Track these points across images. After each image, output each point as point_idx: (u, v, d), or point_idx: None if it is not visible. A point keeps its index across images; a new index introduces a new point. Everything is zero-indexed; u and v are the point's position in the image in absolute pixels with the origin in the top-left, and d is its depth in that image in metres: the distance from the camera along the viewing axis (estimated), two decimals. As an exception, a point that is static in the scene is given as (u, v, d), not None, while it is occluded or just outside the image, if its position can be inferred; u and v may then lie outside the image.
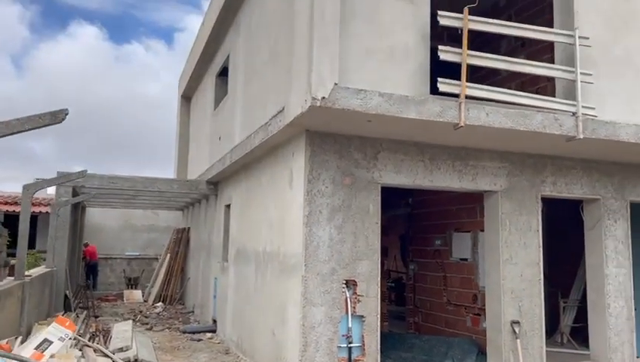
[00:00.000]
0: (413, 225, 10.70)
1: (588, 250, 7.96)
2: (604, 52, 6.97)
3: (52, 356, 4.13)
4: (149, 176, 12.00)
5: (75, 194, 11.61)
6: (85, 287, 14.03)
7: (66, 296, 11.31)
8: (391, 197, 10.09)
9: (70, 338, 5.33)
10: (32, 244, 16.01)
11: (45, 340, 4.98)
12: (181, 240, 16.33)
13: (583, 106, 6.44)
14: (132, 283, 18.19)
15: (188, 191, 12.57)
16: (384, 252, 13.10)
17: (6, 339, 5.29)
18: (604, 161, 7.79)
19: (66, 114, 3.93)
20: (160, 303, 14.91)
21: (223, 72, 12.27)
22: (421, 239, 10.18)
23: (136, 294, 16.83)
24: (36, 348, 4.48)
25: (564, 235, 9.71)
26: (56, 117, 3.93)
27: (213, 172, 11.38)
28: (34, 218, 16.46)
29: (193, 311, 13.83)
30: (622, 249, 7.78)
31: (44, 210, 18.29)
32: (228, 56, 11.44)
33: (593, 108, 6.54)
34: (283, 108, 6.45)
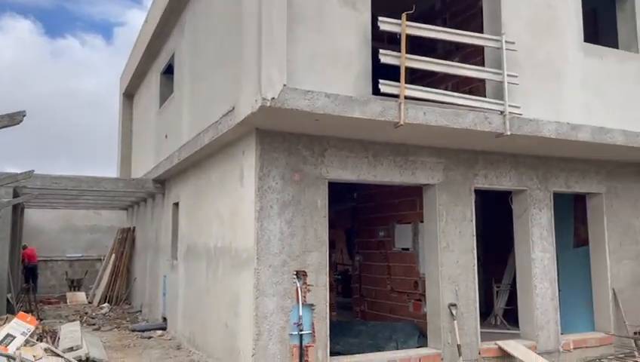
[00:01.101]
0: (358, 218, 11.18)
1: (516, 237, 8.68)
2: (529, 56, 7.64)
3: (17, 349, 4.21)
4: (94, 176, 11.86)
5: (15, 195, 11.31)
6: (26, 290, 13.65)
7: (8, 299, 11.02)
8: (337, 192, 10.54)
9: (31, 333, 5.38)
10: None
11: (8, 335, 5.02)
12: (126, 240, 16.13)
13: (509, 105, 7.06)
14: (75, 285, 17.77)
15: (134, 190, 12.50)
16: (331, 245, 13.54)
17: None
18: (530, 155, 8.51)
19: (24, 115, 4.02)
20: (106, 304, 14.72)
21: (168, 70, 12.28)
22: (366, 231, 10.67)
23: (80, 296, 16.48)
24: (0, 343, 4.54)
25: (498, 225, 10.46)
26: (14, 119, 4.01)
27: (160, 170, 11.40)
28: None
29: (141, 311, 13.76)
30: (546, 235, 8.55)
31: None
32: (173, 55, 11.48)
33: (519, 107, 7.19)
34: (233, 108, 6.70)
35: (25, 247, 17.55)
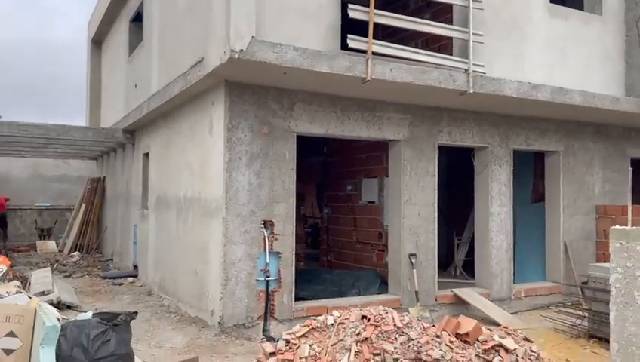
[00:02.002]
0: (328, 172, 11.44)
1: (476, 192, 9.08)
2: (495, 15, 7.82)
3: (-9, 287, 4.40)
4: (63, 124, 11.74)
5: (-20, 141, 11.15)
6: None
7: (-24, 246, 11.05)
8: (307, 146, 10.73)
9: (2, 274, 5.56)
10: None
11: (-19, 275, 5.20)
12: (96, 190, 16.11)
13: (474, 64, 7.28)
14: (45, 233, 17.77)
15: (103, 140, 12.44)
16: (301, 198, 13.86)
17: None
18: (493, 113, 8.80)
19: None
20: (77, 252, 14.82)
21: (137, 18, 12.04)
22: (335, 185, 10.96)
23: (50, 244, 16.53)
24: (-27, 283, 4.70)
25: (462, 181, 10.85)
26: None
27: (129, 120, 11.35)
28: None
29: (112, 259, 13.95)
30: (504, 191, 8.96)
31: None
32: (142, 2, 11.24)
33: (483, 66, 7.41)
34: (202, 59, 6.73)
35: None
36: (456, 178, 11.02)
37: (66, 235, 16.61)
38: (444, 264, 11.78)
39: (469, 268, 10.84)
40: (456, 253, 11.39)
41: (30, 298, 3.41)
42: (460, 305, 8.30)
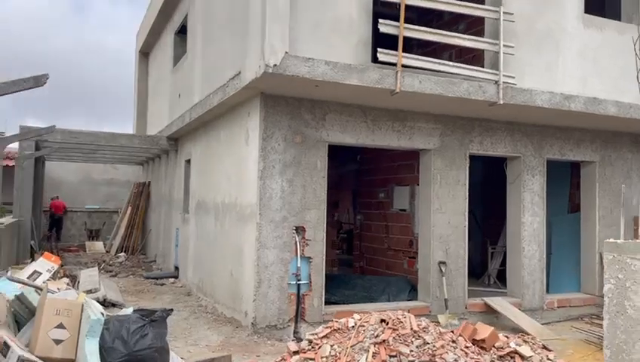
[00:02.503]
0: (361, 180, 11.66)
1: (509, 202, 9.10)
2: (528, 26, 7.87)
3: (44, 282, 4.85)
4: (111, 132, 12.42)
5: (37, 148, 11.94)
6: (48, 238, 14.50)
7: (31, 246, 11.82)
8: (343, 154, 11.01)
9: (54, 272, 6.06)
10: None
11: (35, 271, 5.69)
12: (142, 194, 16.85)
13: (504, 75, 7.37)
14: (93, 235, 18.69)
15: (149, 147, 13.06)
16: (336, 205, 14.12)
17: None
18: (525, 123, 8.82)
19: (47, 78, 4.49)
20: (122, 253, 15.56)
21: (182, 30, 12.62)
22: (368, 192, 11.16)
23: (98, 245, 17.38)
24: (28, 278, 5.18)
25: (498, 190, 10.86)
26: (39, 80, 4.49)
27: (173, 128, 11.91)
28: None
29: (155, 260, 14.57)
30: (537, 200, 8.94)
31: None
32: (186, 16, 11.79)
33: (513, 77, 7.48)
34: (239, 73, 7.10)
35: (55, 198, 18.42)
36: (493, 187, 11.02)
37: (112, 237, 17.42)
38: (479, 273, 11.80)
39: (503, 277, 10.81)
40: (490, 262, 11.38)
41: (78, 294, 3.79)
42: (491, 313, 8.34)
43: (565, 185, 10.65)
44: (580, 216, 9.77)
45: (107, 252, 16.65)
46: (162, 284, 11.04)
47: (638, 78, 3.75)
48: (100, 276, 9.93)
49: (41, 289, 3.81)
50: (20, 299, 3.65)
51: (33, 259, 11.71)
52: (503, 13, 7.40)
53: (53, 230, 17.61)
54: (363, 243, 11.16)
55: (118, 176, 21.12)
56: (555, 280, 9.73)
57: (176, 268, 12.03)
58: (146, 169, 18.27)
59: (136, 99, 18.07)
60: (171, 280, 11.46)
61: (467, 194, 8.44)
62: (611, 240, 2.49)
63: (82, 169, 20.60)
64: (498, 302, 8.38)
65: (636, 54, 3.06)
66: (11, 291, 3.80)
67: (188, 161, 11.64)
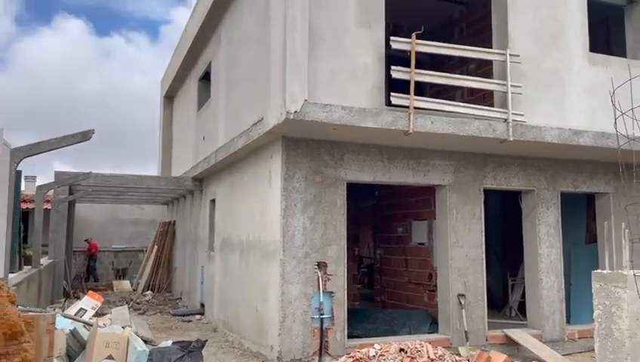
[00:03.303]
0: (380, 215, 11.97)
1: (525, 234, 9.31)
2: (535, 66, 8.27)
3: (90, 318, 5.24)
4: (139, 174, 13.03)
5: (70, 191, 12.58)
6: (80, 278, 15.06)
7: (64, 286, 12.31)
8: (361, 190, 11.38)
9: (98, 308, 6.46)
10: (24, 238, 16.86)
11: (81, 309, 6.11)
12: (167, 233, 17.36)
13: (513, 113, 7.73)
14: (120, 274, 19.20)
15: (175, 188, 13.62)
16: (356, 239, 14.39)
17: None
18: (538, 157, 9.11)
19: (93, 132, 5.00)
20: (149, 291, 15.97)
21: (205, 76, 13.31)
22: (387, 227, 11.46)
23: (125, 284, 17.84)
24: (75, 315, 5.58)
25: (516, 223, 11.06)
26: (86, 135, 5.01)
27: (198, 170, 12.45)
28: (25, 214, 17.28)
29: (181, 298, 14.93)
30: (553, 233, 9.15)
31: (31, 206, 19.12)
32: (210, 63, 12.49)
33: (522, 115, 7.84)
34: (262, 118, 7.60)
35: (89, 240, 19.15)
36: (511, 220, 11.22)
37: (139, 275, 17.88)
38: (500, 305, 11.88)
39: (524, 309, 10.89)
40: (510, 294, 11.48)
41: (123, 328, 4.17)
42: (512, 345, 8.46)
43: (582, 216, 10.81)
44: (597, 246, 9.90)
45: (134, 290, 17.08)
46: (189, 321, 11.37)
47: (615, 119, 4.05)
48: (129, 314, 10.31)
49: (90, 325, 4.20)
50: (74, 333, 4.03)
51: (67, 299, 12.23)
52: (510, 55, 7.82)
53: (89, 270, 18.29)
54: (384, 277, 11.39)
55: (144, 216, 21.76)
56: (576, 311, 9.79)
57: (202, 305, 12.37)
58: (171, 208, 18.85)
59: (161, 141, 18.81)
60: (197, 316, 11.78)
61: (483, 227, 8.69)
62: (598, 270, 2.81)
63: (109, 209, 21.30)
64: (518, 334, 8.51)
65: (613, 104, 3.39)
66: (63, 326, 4.20)
67: (212, 201, 12.12)
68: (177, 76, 16.19)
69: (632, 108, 5.19)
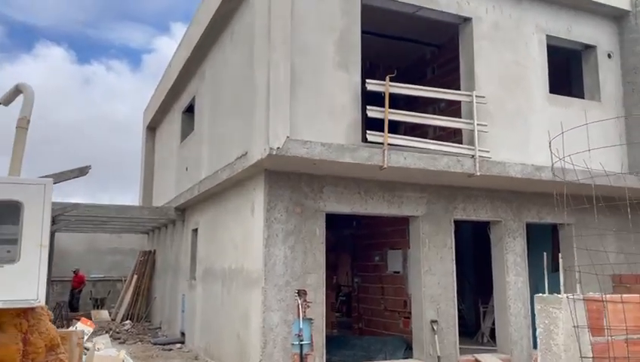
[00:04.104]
0: (358, 244, 12.42)
1: (493, 263, 9.84)
2: (500, 106, 8.94)
3: (87, 341, 5.50)
4: (123, 204, 13.28)
5: (53, 221, 12.73)
6: (60, 307, 15.02)
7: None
8: (340, 220, 11.82)
9: (89, 334, 6.70)
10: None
11: (75, 334, 6.35)
12: (147, 262, 17.47)
13: (479, 150, 8.33)
14: (98, 303, 19.10)
15: (158, 217, 13.87)
16: (334, 268, 14.77)
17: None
18: (504, 190, 9.72)
19: (90, 168, 5.38)
20: (128, 321, 15.98)
21: (189, 109, 13.75)
22: (364, 256, 11.90)
23: (104, 313, 17.77)
24: (69, 340, 5.81)
25: (488, 252, 11.60)
26: (83, 171, 5.37)
27: (181, 200, 12.77)
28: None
29: (160, 327, 15.01)
30: (519, 261, 9.70)
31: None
32: (194, 97, 12.95)
33: (488, 151, 8.45)
34: (246, 153, 8.05)
35: (76, 271, 19.19)
36: (483, 248, 11.77)
37: (118, 305, 17.85)
38: (473, 332, 12.32)
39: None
40: (482, 321, 11.94)
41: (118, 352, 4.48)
42: (482, 369, 8.88)
43: (548, 245, 11.41)
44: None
45: (113, 320, 17.04)
46: (170, 350, 11.51)
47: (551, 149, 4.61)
48: (110, 343, 10.44)
49: (87, 349, 4.51)
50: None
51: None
52: (476, 96, 8.47)
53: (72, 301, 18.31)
54: (361, 304, 11.77)
55: (123, 245, 21.77)
56: (543, 337, 10.27)
57: (182, 334, 12.52)
58: (151, 237, 18.98)
59: (142, 171, 19.06)
60: (178, 345, 11.93)
61: (454, 256, 9.19)
62: (539, 294, 3.32)
63: (87, 238, 21.27)
64: (488, 359, 8.94)
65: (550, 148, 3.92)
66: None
67: (195, 230, 12.41)
68: (160, 108, 16.59)
69: (589, 149, 5.80)
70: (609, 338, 3.25)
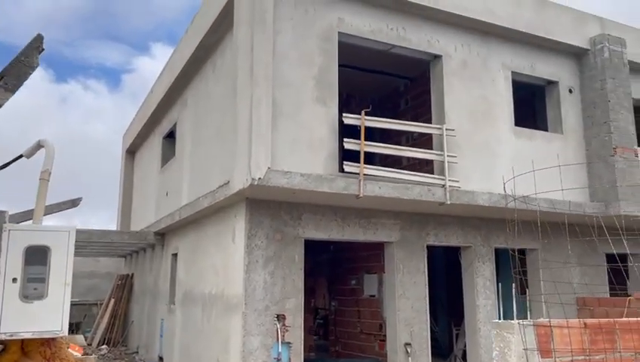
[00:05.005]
0: (335, 268, 12.76)
1: (464, 287, 10.28)
2: (468, 138, 9.48)
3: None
4: (103, 229, 13.38)
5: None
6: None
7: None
8: (318, 245, 12.17)
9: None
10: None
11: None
12: (125, 286, 17.46)
13: (449, 180, 8.83)
14: (74, 328, 18.91)
15: (137, 242, 14.00)
16: (313, 292, 15.04)
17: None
18: (474, 217, 10.22)
19: (81, 200, 5.64)
20: (104, 346, 15.92)
21: (170, 135, 14.04)
22: (341, 280, 12.23)
23: (79, 338, 17.53)
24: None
25: (460, 276, 12.06)
26: (75, 202, 5.63)
27: (161, 225, 12.96)
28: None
29: (137, 352, 15.00)
30: (489, 285, 10.16)
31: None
32: (175, 124, 13.26)
33: (458, 181, 8.95)
34: (228, 181, 8.38)
35: None
36: (456, 272, 12.22)
37: (94, 329, 17.74)
38: (446, 354, 12.70)
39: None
40: (455, 343, 12.33)
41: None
42: (454, 390, 9.24)
43: (516, 269, 11.92)
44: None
45: (89, 345, 16.91)
46: (148, 374, 11.58)
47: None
48: (90, 367, 10.49)
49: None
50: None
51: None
52: (446, 129, 9.00)
53: None
54: (338, 328, 12.06)
55: (99, 269, 21.62)
56: (512, 358, 10.70)
57: (160, 359, 12.59)
58: (129, 261, 18.98)
59: (121, 195, 19.13)
60: (156, 369, 12.00)
61: (427, 281, 9.61)
62: (495, 320, 3.73)
63: (64, 262, 21.09)
64: (459, 379, 9.31)
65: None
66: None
67: (174, 255, 12.60)
68: (141, 133, 16.82)
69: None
70: (556, 359, 3.69)
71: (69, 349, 6.94)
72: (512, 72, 10.22)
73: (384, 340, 10.26)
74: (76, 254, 17.61)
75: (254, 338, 8.06)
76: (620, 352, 4.01)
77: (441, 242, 9.92)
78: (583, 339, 3.99)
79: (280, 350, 8.12)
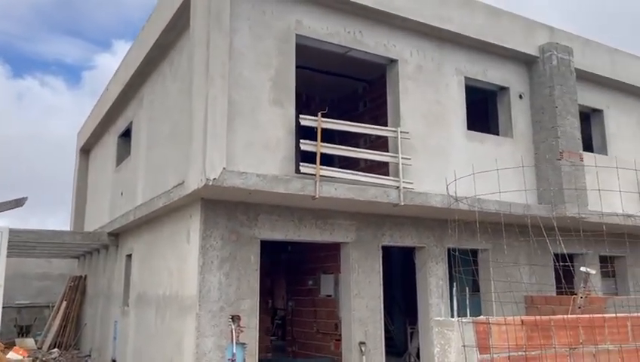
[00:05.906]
0: (293, 268, 12.79)
1: (418, 286, 10.50)
2: (422, 141, 9.69)
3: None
4: (54, 229, 12.99)
5: (-23, 246, 12.29)
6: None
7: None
8: (275, 245, 12.18)
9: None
10: None
11: (6, 364, 6.25)
12: (77, 288, 16.99)
13: (404, 182, 9.00)
14: (23, 331, 18.28)
15: (90, 243, 13.66)
16: (271, 292, 15.03)
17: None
18: (428, 218, 10.45)
19: (26, 199, 5.48)
20: (55, 349, 15.44)
21: (126, 134, 13.76)
22: (299, 280, 12.27)
23: (29, 342, 17.03)
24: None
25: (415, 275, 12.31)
26: (20, 202, 5.47)
27: (115, 225, 12.69)
28: None
29: (90, 355, 14.63)
30: (442, 284, 10.41)
31: None
32: (131, 122, 13.01)
33: (411, 183, 9.14)
34: (183, 182, 8.30)
35: None
36: (412, 272, 12.46)
37: (45, 332, 17.19)
38: (402, 352, 12.93)
39: (422, 355, 11.98)
40: (410, 342, 12.57)
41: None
42: (407, 388, 9.42)
43: (469, 269, 12.26)
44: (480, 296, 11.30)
45: (39, 348, 16.39)
46: (100, 378, 11.33)
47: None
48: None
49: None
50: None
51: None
52: (401, 132, 9.18)
53: None
54: (295, 328, 12.10)
55: (52, 270, 20.96)
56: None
57: (114, 361, 12.33)
58: (82, 262, 18.48)
59: (75, 195, 18.62)
60: (109, 373, 11.75)
61: (382, 280, 9.77)
62: (437, 318, 3.86)
63: (12, 263, 20.33)
64: (412, 377, 9.50)
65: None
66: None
67: (129, 256, 12.36)
68: (96, 131, 16.43)
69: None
70: (494, 355, 3.84)
71: (12, 352, 6.73)
72: (466, 77, 10.51)
73: (340, 339, 10.36)
74: (26, 255, 17.15)
75: (208, 339, 8.01)
76: (554, 348, 4.20)
77: (397, 242, 10.10)
78: (519, 336, 4.16)
79: (234, 351, 8.10)
